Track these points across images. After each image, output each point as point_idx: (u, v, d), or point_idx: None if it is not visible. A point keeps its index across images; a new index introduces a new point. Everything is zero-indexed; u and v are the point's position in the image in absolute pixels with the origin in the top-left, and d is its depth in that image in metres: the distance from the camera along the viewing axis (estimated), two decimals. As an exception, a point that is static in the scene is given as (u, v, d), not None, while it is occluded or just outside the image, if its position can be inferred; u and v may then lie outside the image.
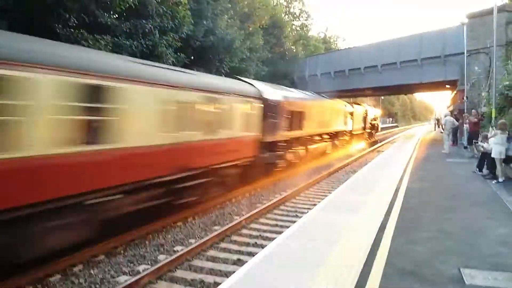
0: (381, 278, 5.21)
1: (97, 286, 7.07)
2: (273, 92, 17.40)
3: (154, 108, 9.54)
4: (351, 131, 32.19)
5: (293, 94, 21.46)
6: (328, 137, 26.13)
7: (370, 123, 40.71)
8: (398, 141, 37.87)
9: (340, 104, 29.87)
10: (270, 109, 16.05)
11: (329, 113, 26.52)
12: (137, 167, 9.12)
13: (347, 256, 6.03)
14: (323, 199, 11.63)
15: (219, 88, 12.72)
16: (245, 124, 14.26)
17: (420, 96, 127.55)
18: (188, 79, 11.28)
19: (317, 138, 23.70)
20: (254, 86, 15.84)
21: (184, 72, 12.05)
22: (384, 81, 34.32)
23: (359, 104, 37.31)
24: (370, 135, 41.60)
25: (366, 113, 38.46)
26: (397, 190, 11.19)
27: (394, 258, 5.92)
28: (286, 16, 48.47)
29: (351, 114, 32.04)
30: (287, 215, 12.14)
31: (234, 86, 14.28)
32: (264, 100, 15.72)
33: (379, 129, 50.78)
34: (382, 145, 38.68)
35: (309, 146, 22.18)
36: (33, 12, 14.49)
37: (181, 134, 10.52)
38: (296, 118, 19.55)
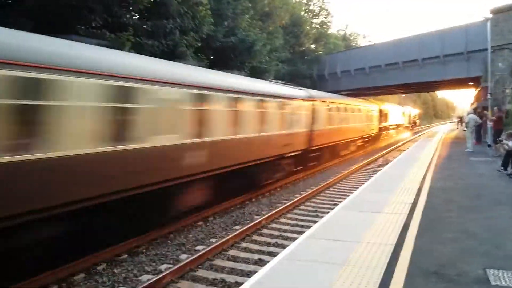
0: (405, 278, 5.14)
1: (120, 285, 7.15)
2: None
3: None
4: (403, 124, 51.47)
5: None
6: (395, 127, 46.26)
7: (413, 120, 62.00)
8: (420, 139, 37.36)
9: (405, 108, 53.70)
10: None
11: (399, 114, 48.39)
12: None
13: (370, 255, 5.97)
14: (344, 199, 11.55)
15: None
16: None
17: (441, 94, 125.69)
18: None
19: (393, 127, 44.26)
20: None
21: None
22: (406, 78, 33.82)
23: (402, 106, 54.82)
24: (413, 127, 61.76)
25: (410, 113, 58.57)
26: (420, 189, 11.04)
27: (418, 258, 5.84)
28: (306, 14, 48.21)
29: (403, 113, 50.98)
30: (295, 224, 12.09)
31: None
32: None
33: (417, 123, 70.82)
34: (404, 143, 38.22)
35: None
36: (57, 13, 14.74)
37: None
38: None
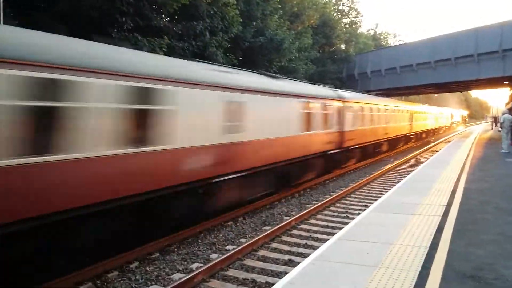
0: (440, 281, 5.03)
1: (153, 283, 7.25)
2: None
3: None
4: (456, 121, 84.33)
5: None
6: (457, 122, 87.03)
7: (463, 118, 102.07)
8: (454, 140, 36.53)
9: (462, 111, 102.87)
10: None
11: (460, 114, 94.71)
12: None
13: (404, 258, 5.87)
14: (375, 200, 11.40)
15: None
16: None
17: (475, 94, 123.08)
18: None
19: (457, 121, 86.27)
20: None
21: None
22: (438, 78, 33.08)
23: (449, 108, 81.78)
24: (463, 123, 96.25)
25: (461, 113, 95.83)
26: (454, 191, 10.79)
27: (454, 261, 5.70)
28: (335, 14, 47.82)
29: (454, 115, 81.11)
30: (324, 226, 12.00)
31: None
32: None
33: (466, 120, 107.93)
34: (437, 144, 37.46)
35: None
36: (90, 16, 15.09)
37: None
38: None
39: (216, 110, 10.13)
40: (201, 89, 9.56)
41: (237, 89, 11.08)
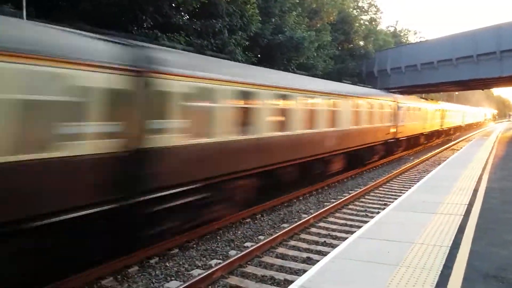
0: (462, 281, 4.97)
1: (172, 278, 7.32)
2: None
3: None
4: (488, 118, 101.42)
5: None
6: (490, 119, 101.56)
7: (494, 116, 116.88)
8: (475, 138, 35.94)
9: (489, 110, 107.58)
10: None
11: (491, 112, 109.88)
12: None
13: (425, 257, 5.81)
14: (395, 199, 11.30)
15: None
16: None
17: (497, 91, 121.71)
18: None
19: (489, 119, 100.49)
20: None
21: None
22: (460, 75, 32.49)
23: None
24: (495, 119, 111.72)
25: (492, 112, 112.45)
26: (476, 190, 10.63)
27: (476, 261, 5.63)
28: (355, 11, 47.34)
29: (486, 114, 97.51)
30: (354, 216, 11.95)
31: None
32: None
33: (496, 118, 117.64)
34: (457, 142, 36.92)
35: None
36: (111, 14, 15.26)
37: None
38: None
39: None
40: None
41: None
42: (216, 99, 9.17)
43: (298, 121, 13.07)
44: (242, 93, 10.15)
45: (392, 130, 23.27)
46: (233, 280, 7.27)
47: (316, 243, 9.40)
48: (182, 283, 6.98)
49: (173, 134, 8.04)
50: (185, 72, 8.33)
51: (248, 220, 11.07)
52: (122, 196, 6.99)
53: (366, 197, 14.31)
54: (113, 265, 7.40)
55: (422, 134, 32.37)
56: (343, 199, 13.32)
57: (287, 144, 12.48)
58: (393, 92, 29.22)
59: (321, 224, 10.96)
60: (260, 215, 11.58)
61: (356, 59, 39.93)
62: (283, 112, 12.35)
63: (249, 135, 10.44)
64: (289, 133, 12.48)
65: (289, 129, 12.49)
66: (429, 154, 26.81)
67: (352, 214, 12.00)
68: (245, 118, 10.31)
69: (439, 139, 41.23)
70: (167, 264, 7.89)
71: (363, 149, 19.01)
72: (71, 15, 14.45)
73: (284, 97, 12.33)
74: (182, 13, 18.91)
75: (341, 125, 16.24)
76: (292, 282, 5.69)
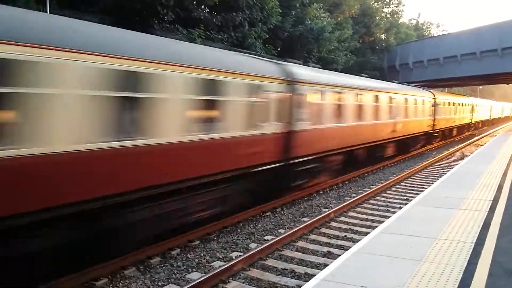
0: (487, 277, 4.89)
1: (194, 269, 7.38)
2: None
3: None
4: None
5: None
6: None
7: None
8: (499, 134, 35.26)
9: None
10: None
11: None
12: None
13: (449, 253, 5.73)
14: (417, 194, 11.16)
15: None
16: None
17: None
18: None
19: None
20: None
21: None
22: (484, 69, 31.87)
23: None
24: None
25: None
26: (500, 186, 10.43)
27: (501, 258, 5.53)
28: (376, 4, 46.70)
29: None
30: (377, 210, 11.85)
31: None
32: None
33: None
34: (481, 138, 36.28)
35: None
36: (133, 9, 15.38)
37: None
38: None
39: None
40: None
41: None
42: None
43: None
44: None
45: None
46: (254, 272, 7.30)
47: (337, 237, 9.36)
48: (203, 274, 7.03)
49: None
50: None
51: (268, 213, 11.09)
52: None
53: (388, 192, 14.17)
54: (135, 255, 7.49)
55: (454, 127, 34.72)
56: (364, 193, 13.21)
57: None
58: (416, 86, 28.92)
59: (342, 218, 10.90)
60: (280, 209, 11.58)
61: (377, 52, 39.42)
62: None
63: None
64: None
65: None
66: (452, 150, 26.40)
67: (373, 209, 11.90)
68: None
69: (469, 131, 42.32)
70: (189, 256, 7.95)
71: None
72: (93, 8, 14.63)
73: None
74: (203, 7, 18.95)
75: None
76: (313, 276, 5.68)
